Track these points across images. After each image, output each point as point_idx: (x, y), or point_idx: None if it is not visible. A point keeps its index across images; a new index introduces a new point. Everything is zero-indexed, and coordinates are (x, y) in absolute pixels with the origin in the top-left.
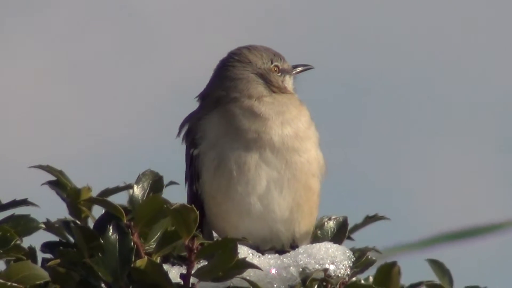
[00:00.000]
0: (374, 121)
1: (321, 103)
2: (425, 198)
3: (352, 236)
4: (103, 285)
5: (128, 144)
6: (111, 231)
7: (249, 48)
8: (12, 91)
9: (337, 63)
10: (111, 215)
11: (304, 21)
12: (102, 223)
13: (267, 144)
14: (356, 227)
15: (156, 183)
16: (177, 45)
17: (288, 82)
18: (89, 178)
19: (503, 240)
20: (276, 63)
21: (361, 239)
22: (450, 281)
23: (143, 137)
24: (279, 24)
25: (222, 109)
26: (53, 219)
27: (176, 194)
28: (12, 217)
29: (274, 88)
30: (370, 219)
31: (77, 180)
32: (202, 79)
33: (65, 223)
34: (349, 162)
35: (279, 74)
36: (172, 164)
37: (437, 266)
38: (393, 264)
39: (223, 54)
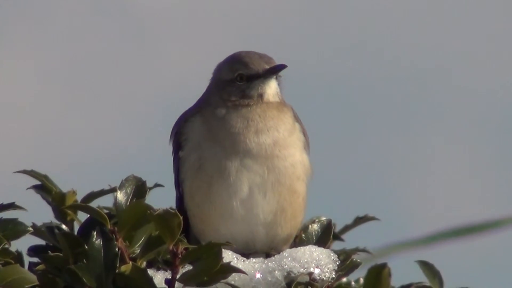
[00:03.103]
0: (364, 120)
1: (310, 103)
2: (417, 198)
3: (343, 237)
4: None
5: (119, 148)
6: (95, 236)
7: (225, 60)
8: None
9: (324, 62)
10: (95, 221)
11: (303, 22)
12: (86, 228)
13: (244, 152)
14: (347, 228)
15: (140, 188)
16: (174, 49)
17: (260, 87)
18: (76, 182)
19: (496, 238)
20: (239, 72)
21: (352, 240)
22: (441, 283)
23: (134, 141)
24: (280, 25)
25: (204, 113)
26: (39, 223)
27: (164, 197)
28: (0, 221)
29: (232, 99)
30: (360, 220)
31: (65, 183)
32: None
33: (49, 228)
34: (339, 162)
35: (243, 82)
36: (166, 168)
37: (427, 267)
38: (383, 265)
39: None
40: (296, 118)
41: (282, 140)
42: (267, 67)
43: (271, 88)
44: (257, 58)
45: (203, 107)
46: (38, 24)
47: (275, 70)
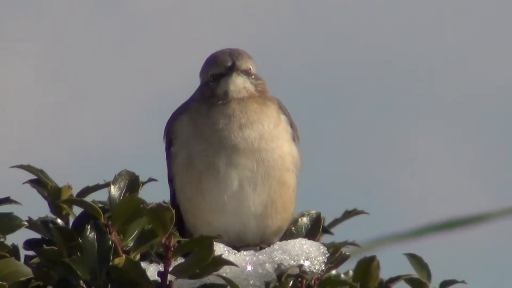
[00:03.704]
0: (355, 113)
1: (299, 96)
2: (405, 192)
3: (332, 230)
4: (82, 283)
5: (117, 143)
6: (89, 230)
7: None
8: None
9: (317, 54)
10: (89, 215)
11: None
12: (80, 222)
13: (231, 147)
14: (336, 222)
15: (133, 183)
16: (174, 47)
17: (224, 85)
18: (72, 177)
19: (482, 232)
20: (210, 73)
21: (341, 233)
22: (428, 275)
23: (131, 138)
24: (282, 23)
25: (190, 111)
26: (35, 217)
27: (157, 191)
28: None
29: (210, 99)
30: (349, 214)
31: (61, 178)
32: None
33: (44, 222)
34: (329, 156)
35: (213, 82)
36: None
37: (416, 260)
38: (372, 258)
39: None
40: (283, 110)
41: (267, 133)
42: (229, 64)
43: (235, 85)
44: (225, 56)
45: (190, 106)
46: (39, 22)
47: (233, 67)
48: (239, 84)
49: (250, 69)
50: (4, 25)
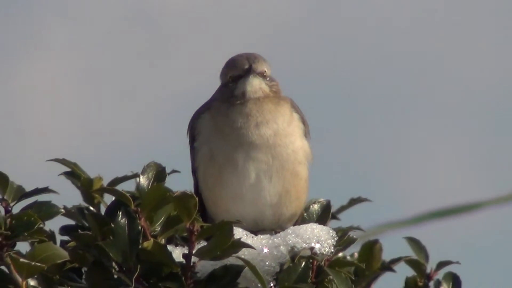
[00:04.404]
0: (355, 105)
1: (310, 95)
2: (406, 181)
3: (339, 216)
4: (114, 264)
5: (146, 139)
6: (120, 216)
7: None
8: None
9: (328, 56)
10: (120, 202)
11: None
12: (112, 209)
13: (248, 143)
14: (342, 208)
15: (160, 174)
16: (196, 49)
17: (242, 86)
18: (101, 168)
19: (477, 219)
20: (229, 75)
21: (347, 219)
22: (426, 257)
23: (159, 133)
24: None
25: (211, 110)
26: (70, 205)
27: (181, 182)
28: (35, 203)
29: (230, 99)
30: (354, 201)
31: (92, 169)
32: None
33: (79, 209)
34: (336, 149)
35: (232, 83)
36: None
37: (414, 243)
38: (375, 241)
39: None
40: (296, 109)
41: (281, 130)
42: (246, 67)
43: (252, 86)
44: (243, 59)
45: (212, 105)
46: (73, 28)
47: (250, 70)
48: (255, 85)
49: (265, 71)
50: (43, 29)
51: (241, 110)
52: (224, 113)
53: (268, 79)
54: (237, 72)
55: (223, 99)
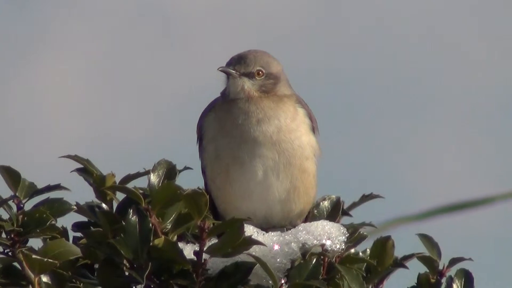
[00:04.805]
0: (371, 104)
1: (321, 92)
2: (417, 177)
3: (350, 212)
4: (125, 262)
5: (156, 137)
6: (131, 214)
7: None
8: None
9: (337, 54)
10: (131, 200)
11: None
12: (123, 206)
13: (252, 140)
14: (354, 205)
15: (170, 171)
16: (208, 47)
17: (227, 86)
18: (114, 165)
19: (488, 213)
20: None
21: (359, 215)
22: (438, 253)
23: (170, 131)
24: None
25: (216, 109)
26: (82, 202)
27: (193, 179)
28: (47, 200)
29: (227, 98)
30: (366, 198)
31: (105, 167)
32: None
33: (90, 207)
34: (348, 145)
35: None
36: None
37: (427, 239)
38: (388, 238)
39: None
40: (301, 105)
41: (284, 126)
42: (230, 68)
43: (233, 86)
44: (232, 60)
45: (216, 104)
46: (85, 25)
47: (226, 72)
48: (237, 86)
49: (254, 72)
50: (55, 27)
51: (241, 108)
52: (226, 110)
53: (259, 78)
54: (225, 72)
55: (225, 98)
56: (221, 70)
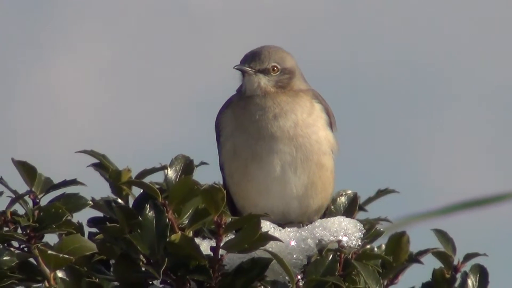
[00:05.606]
0: (390, 100)
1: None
2: (433, 173)
3: (366, 208)
4: (142, 257)
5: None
6: (148, 209)
7: None
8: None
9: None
10: (148, 195)
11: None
12: (140, 202)
13: (269, 135)
14: (370, 200)
15: (188, 166)
16: (226, 46)
17: (243, 83)
18: (130, 160)
19: (504, 210)
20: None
21: (374, 210)
22: (453, 249)
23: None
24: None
25: (232, 106)
26: (98, 197)
27: (210, 174)
28: (63, 195)
29: (243, 95)
30: (381, 193)
31: (121, 162)
32: None
33: (107, 202)
34: (364, 141)
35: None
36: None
37: (442, 235)
38: (403, 233)
39: None
40: (318, 100)
41: (301, 121)
42: (245, 65)
43: (250, 83)
44: (246, 57)
45: (233, 101)
46: (102, 25)
47: (241, 70)
48: (253, 83)
49: (269, 68)
50: (72, 28)
51: (257, 104)
52: (242, 107)
53: (274, 74)
54: (240, 69)
55: (241, 95)
56: (237, 68)
